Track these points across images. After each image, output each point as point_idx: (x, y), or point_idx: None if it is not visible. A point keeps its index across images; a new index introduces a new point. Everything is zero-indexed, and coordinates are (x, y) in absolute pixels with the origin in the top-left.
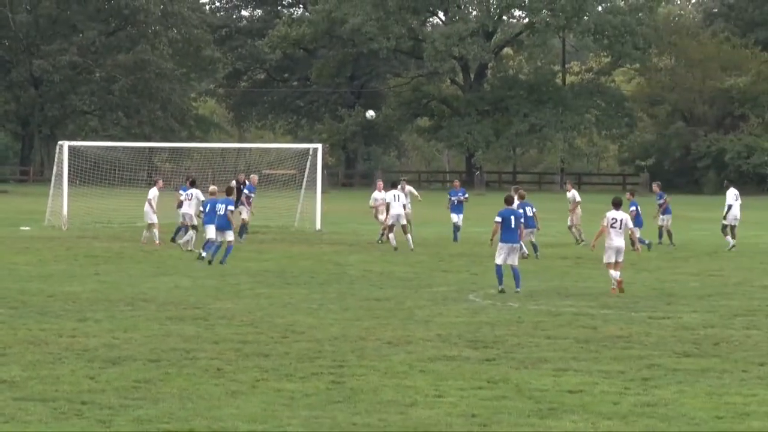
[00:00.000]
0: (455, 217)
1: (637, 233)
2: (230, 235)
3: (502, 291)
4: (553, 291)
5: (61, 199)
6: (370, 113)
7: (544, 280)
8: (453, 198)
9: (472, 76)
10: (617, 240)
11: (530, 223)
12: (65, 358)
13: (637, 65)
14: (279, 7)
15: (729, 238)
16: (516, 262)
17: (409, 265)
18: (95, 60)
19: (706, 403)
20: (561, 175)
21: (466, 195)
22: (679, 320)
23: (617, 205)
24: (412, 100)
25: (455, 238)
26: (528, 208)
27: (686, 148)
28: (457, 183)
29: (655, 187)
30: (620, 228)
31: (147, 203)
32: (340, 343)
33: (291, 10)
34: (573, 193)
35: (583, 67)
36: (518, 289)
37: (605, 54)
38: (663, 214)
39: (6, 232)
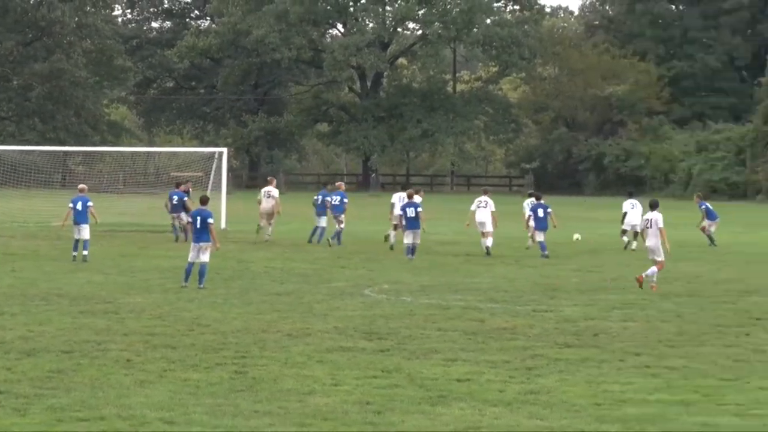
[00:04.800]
0: (321, 220)
1: (713, 227)
2: (86, 232)
3: None
4: (443, 286)
5: None
6: None
7: (435, 276)
8: (327, 198)
9: (368, 84)
10: (649, 240)
11: (414, 224)
12: None
13: (523, 74)
14: (187, 19)
15: (625, 237)
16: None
17: (308, 261)
18: (12, 68)
19: (585, 390)
20: (451, 177)
21: (345, 200)
22: (561, 313)
23: (653, 206)
24: (312, 107)
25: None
26: (411, 209)
27: (568, 152)
28: (340, 185)
29: (696, 198)
30: (653, 228)
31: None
32: (243, 336)
33: (198, 22)
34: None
35: (473, 76)
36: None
37: (493, 64)
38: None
39: None
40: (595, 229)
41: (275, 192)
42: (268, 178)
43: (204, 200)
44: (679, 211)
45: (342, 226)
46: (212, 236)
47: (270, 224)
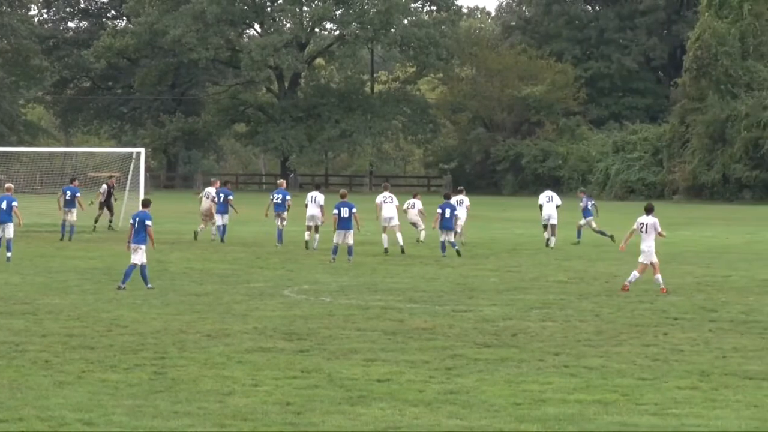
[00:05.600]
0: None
1: (593, 224)
2: (10, 231)
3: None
4: (363, 286)
5: None
6: None
7: (354, 276)
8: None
9: (286, 84)
10: (643, 243)
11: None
12: None
13: (441, 75)
14: (104, 19)
15: (546, 234)
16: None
17: (227, 262)
18: None
19: (505, 390)
20: (370, 178)
21: (288, 197)
22: (480, 313)
23: (648, 210)
24: (229, 107)
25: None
26: (345, 208)
27: (486, 152)
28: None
29: (579, 193)
30: (646, 231)
31: None
32: (162, 336)
33: (115, 22)
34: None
35: (391, 77)
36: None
37: (411, 64)
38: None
39: None
40: (512, 228)
41: (213, 192)
42: (212, 180)
43: (146, 203)
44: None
45: (285, 224)
46: (150, 237)
47: (213, 224)
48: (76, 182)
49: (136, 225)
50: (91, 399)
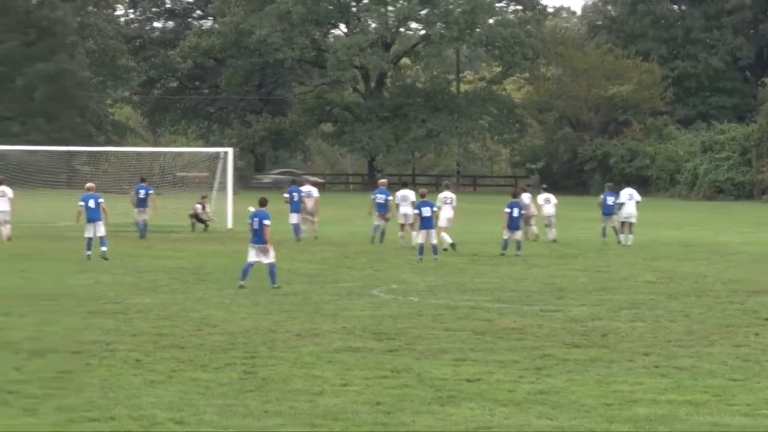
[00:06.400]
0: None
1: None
2: (102, 229)
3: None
4: (451, 286)
5: None
6: None
7: (442, 276)
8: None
9: (372, 84)
10: None
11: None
12: None
13: (527, 74)
14: (189, 19)
15: (615, 231)
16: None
17: (315, 262)
18: (16, 69)
19: (594, 390)
20: (457, 177)
21: (390, 197)
22: (569, 313)
23: None
24: (316, 107)
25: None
26: (426, 208)
27: (573, 152)
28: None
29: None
30: None
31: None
32: (252, 336)
33: (201, 21)
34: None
35: (476, 76)
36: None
37: (497, 64)
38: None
39: None
40: (600, 228)
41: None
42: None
43: (263, 202)
44: (685, 212)
45: (387, 224)
46: (266, 237)
47: (313, 222)
48: (147, 181)
49: (255, 225)
50: (182, 398)
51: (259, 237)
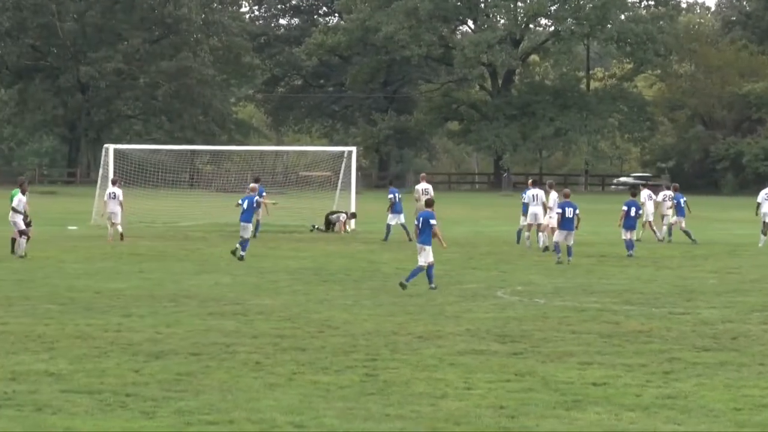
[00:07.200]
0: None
1: (682, 223)
2: (248, 232)
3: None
4: (577, 288)
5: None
6: None
7: (569, 278)
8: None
9: (500, 81)
10: None
11: (569, 225)
12: (110, 352)
13: (658, 71)
14: (315, 16)
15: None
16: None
17: (440, 263)
18: (139, 67)
19: (724, 395)
20: (585, 177)
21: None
22: (698, 316)
23: None
24: (442, 105)
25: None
26: (570, 209)
27: (705, 150)
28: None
29: (671, 189)
30: None
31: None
32: (374, 338)
33: (326, 18)
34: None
35: (607, 73)
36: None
37: (628, 60)
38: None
39: (54, 232)
40: (732, 229)
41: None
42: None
43: (429, 203)
44: None
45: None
46: (435, 236)
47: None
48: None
49: (420, 225)
50: (302, 401)
51: (422, 236)
